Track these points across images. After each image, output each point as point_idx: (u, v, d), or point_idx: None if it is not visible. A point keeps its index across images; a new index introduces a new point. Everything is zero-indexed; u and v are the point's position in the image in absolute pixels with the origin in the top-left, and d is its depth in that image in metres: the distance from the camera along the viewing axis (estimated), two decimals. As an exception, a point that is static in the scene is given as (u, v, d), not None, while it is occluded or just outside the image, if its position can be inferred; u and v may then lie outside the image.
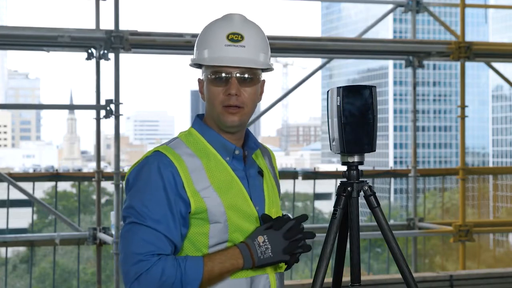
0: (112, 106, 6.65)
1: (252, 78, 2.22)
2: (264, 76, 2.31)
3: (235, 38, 2.21)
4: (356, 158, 2.45)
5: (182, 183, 2.14)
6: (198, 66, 2.29)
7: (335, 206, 2.48)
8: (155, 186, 2.13)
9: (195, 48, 2.28)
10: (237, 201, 2.20)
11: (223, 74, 2.20)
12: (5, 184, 7.11)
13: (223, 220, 2.16)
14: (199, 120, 2.29)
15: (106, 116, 6.69)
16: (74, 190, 36.59)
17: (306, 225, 5.28)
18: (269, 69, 2.29)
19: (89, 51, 6.80)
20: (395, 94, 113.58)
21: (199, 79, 2.28)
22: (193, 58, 2.28)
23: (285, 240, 2.15)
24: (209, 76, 2.22)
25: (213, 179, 2.19)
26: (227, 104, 2.20)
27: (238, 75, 2.20)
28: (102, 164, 7.26)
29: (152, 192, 2.13)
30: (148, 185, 2.13)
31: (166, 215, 2.12)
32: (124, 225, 2.14)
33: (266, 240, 2.14)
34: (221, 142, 2.24)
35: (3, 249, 12.08)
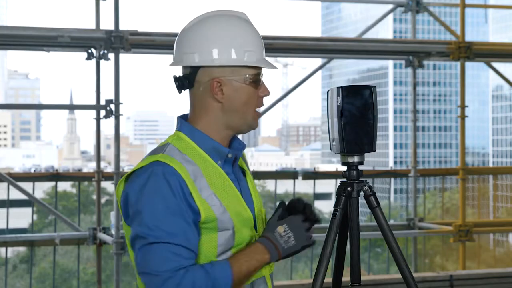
0: (112, 106, 6.65)
1: None
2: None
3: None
4: (356, 158, 2.45)
5: (190, 192, 2.03)
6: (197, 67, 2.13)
7: (335, 206, 2.48)
8: (165, 198, 2.01)
9: (224, 48, 2.10)
10: (235, 206, 2.11)
11: (260, 76, 2.16)
12: (5, 184, 7.11)
13: (231, 226, 2.08)
14: (186, 123, 2.16)
15: (106, 116, 6.68)
16: (74, 190, 36.54)
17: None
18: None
19: (89, 51, 6.80)
20: (395, 94, 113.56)
21: (215, 79, 2.11)
22: (232, 58, 2.10)
23: (304, 225, 2.12)
24: (250, 78, 2.12)
25: (213, 186, 2.09)
26: (261, 105, 2.18)
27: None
28: (102, 164, 7.26)
29: (163, 205, 2.00)
30: (157, 198, 2.01)
31: (182, 225, 2.01)
32: (140, 247, 2.01)
33: (287, 229, 2.09)
34: (213, 146, 2.13)
35: (3, 249, 12.08)
